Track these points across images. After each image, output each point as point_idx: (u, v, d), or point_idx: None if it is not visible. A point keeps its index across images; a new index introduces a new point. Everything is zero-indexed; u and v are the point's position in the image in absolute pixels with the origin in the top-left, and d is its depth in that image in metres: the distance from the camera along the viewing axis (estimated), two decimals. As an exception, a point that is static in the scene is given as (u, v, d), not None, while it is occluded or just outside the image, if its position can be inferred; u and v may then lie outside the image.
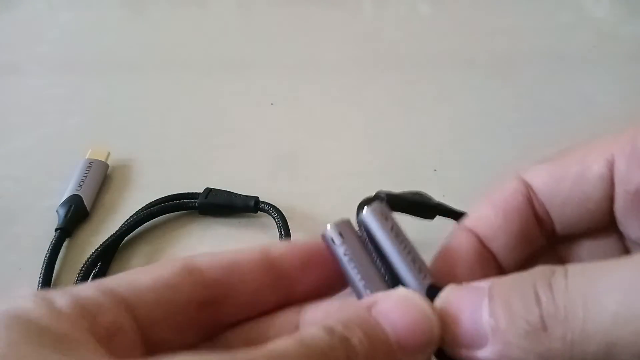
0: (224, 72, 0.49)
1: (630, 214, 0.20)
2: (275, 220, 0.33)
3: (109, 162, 0.38)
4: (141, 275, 0.18)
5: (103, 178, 0.38)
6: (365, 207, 0.21)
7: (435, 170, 0.38)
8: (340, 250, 0.20)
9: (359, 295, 0.20)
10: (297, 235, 0.33)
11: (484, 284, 0.18)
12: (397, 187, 0.38)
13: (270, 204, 0.34)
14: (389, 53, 0.51)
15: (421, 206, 0.27)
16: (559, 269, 0.17)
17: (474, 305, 0.18)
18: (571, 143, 0.22)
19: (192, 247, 0.34)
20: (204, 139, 0.42)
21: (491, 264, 0.21)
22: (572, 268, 0.17)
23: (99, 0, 0.60)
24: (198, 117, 0.44)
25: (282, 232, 0.32)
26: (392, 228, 0.20)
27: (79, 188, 0.36)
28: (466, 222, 0.22)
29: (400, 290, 0.19)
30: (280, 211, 0.33)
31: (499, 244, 0.21)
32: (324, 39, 0.53)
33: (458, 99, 0.45)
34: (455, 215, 0.24)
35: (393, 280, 0.20)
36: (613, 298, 0.15)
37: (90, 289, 0.17)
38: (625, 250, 0.21)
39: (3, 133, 0.43)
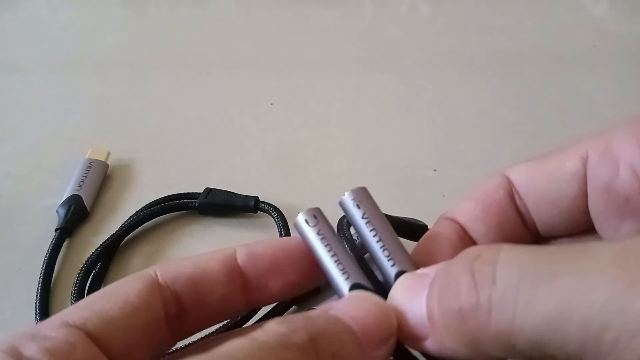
0: (224, 72, 0.49)
1: (601, 212, 0.20)
2: (275, 220, 0.33)
3: (109, 162, 0.38)
4: (107, 302, 0.17)
5: (103, 178, 0.38)
6: (346, 192, 0.21)
7: (435, 170, 0.38)
8: (313, 231, 0.20)
9: (332, 278, 0.19)
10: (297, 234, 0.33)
11: (430, 270, 0.18)
12: (397, 187, 0.38)
13: (270, 204, 0.34)
14: (388, 52, 0.51)
15: (409, 228, 0.27)
16: (486, 253, 0.16)
17: (417, 294, 0.17)
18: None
19: (192, 247, 0.34)
20: (203, 139, 0.42)
21: None
22: (505, 254, 0.16)
23: (99, 0, 0.60)
24: (198, 117, 0.44)
25: (282, 232, 0.32)
26: (364, 214, 0.20)
27: (79, 188, 0.36)
28: (447, 212, 0.22)
29: (352, 292, 0.19)
30: (280, 211, 0.33)
31: (479, 233, 0.21)
32: (324, 38, 0.53)
33: (458, 99, 0.45)
34: None
35: (365, 267, 0.20)
36: (549, 298, 0.14)
37: (58, 329, 0.16)
38: None
39: (3, 132, 0.43)
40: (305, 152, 0.40)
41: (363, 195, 0.21)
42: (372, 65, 0.50)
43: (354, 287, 0.19)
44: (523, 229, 0.21)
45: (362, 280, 0.19)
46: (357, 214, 0.20)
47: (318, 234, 0.20)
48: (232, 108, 0.45)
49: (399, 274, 0.19)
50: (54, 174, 0.38)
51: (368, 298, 0.18)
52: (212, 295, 0.19)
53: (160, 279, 0.18)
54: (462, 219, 0.21)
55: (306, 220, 0.20)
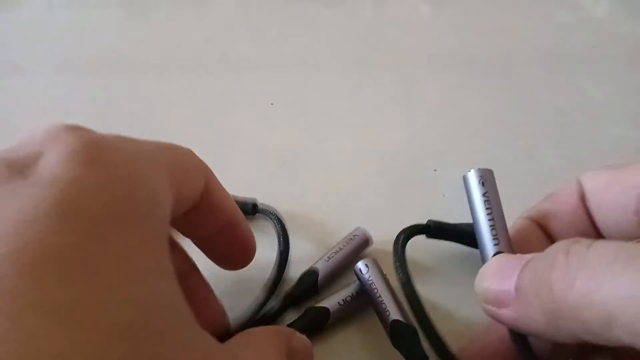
0: (224, 72, 0.49)
1: None
2: (274, 224, 0.33)
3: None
4: None
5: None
6: (472, 169, 0.24)
7: (435, 170, 0.38)
8: (480, 190, 0.23)
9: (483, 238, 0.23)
10: (296, 237, 0.33)
11: (529, 256, 0.20)
12: (397, 187, 0.38)
13: (269, 207, 0.34)
14: (389, 53, 0.51)
15: (470, 236, 0.29)
16: (583, 240, 0.18)
17: (510, 269, 0.19)
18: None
19: (189, 249, 0.34)
20: (203, 139, 0.42)
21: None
22: (600, 241, 0.17)
23: (99, 0, 0.60)
24: (198, 117, 0.44)
25: (281, 236, 0.32)
26: (486, 193, 0.23)
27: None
28: (525, 214, 0.24)
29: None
30: (278, 215, 0.33)
31: (555, 232, 0.23)
32: (324, 38, 0.53)
33: (458, 99, 0.45)
34: None
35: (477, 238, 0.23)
36: (627, 280, 0.15)
37: None
38: None
39: (3, 133, 0.43)
40: (306, 152, 0.40)
41: (489, 176, 0.23)
42: (372, 65, 0.50)
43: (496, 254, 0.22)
44: (593, 232, 0.23)
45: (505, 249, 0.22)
46: (479, 191, 0.23)
47: (484, 195, 0.23)
48: (232, 108, 0.45)
49: (496, 254, 0.22)
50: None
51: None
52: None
53: None
54: (539, 219, 0.23)
55: (480, 178, 0.23)
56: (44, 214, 0.15)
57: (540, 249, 0.19)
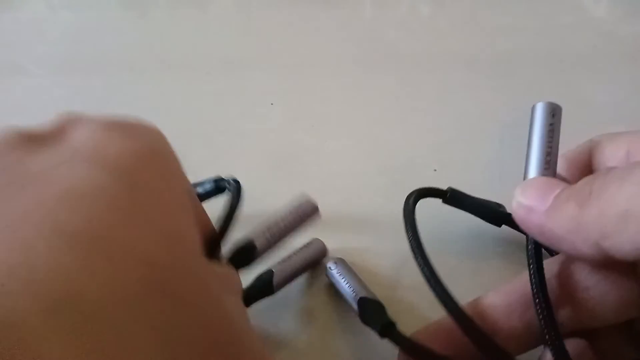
0: (224, 72, 0.49)
1: None
2: (232, 195, 0.29)
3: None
4: None
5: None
6: (541, 102, 0.26)
7: (435, 170, 0.38)
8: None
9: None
10: (296, 236, 0.33)
11: (564, 182, 0.22)
12: (397, 187, 0.38)
13: (234, 180, 0.30)
14: (389, 53, 0.51)
15: (488, 210, 0.30)
16: (619, 167, 0.20)
17: (550, 187, 0.22)
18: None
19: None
20: (203, 139, 0.42)
21: None
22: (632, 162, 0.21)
23: (99, 0, 0.60)
24: (197, 117, 0.44)
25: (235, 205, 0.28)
26: (550, 124, 0.25)
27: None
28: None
29: None
30: (239, 187, 0.29)
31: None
32: (324, 38, 0.53)
33: (458, 99, 0.45)
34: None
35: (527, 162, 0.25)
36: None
37: None
38: None
39: (3, 133, 0.43)
40: (306, 152, 0.40)
41: (558, 112, 0.26)
42: (372, 65, 0.50)
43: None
44: None
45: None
46: (547, 120, 0.25)
47: (550, 124, 0.26)
48: (232, 108, 0.45)
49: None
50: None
51: None
52: None
53: None
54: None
55: (552, 111, 0.26)
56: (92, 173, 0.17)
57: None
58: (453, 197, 0.30)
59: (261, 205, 0.36)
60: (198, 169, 0.39)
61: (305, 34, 0.54)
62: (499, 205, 0.31)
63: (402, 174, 0.38)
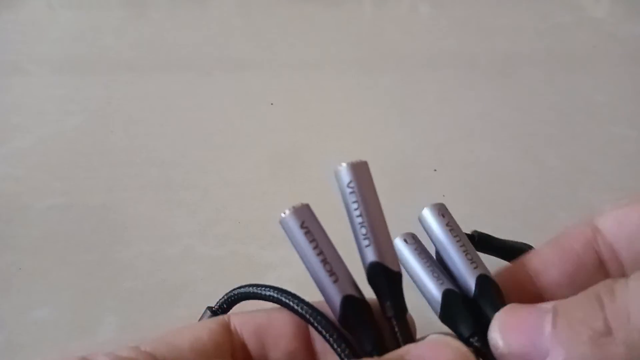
0: (224, 72, 0.49)
1: None
2: None
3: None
4: (179, 336, 0.18)
5: (103, 178, 0.38)
6: (426, 207, 0.23)
7: (435, 170, 0.38)
8: (411, 252, 0.23)
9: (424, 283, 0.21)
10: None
11: (547, 305, 0.18)
12: (397, 187, 0.38)
13: None
14: (388, 53, 0.51)
15: (517, 252, 0.28)
16: (621, 278, 0.17)
17: (536, 319, 0.18)
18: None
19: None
20: (203, 139, 0.42)
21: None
22: (636, 273, 0.17)
23: (99, 0, 0.60)
24: (198, 117, 0.44)
25: None
26: (447, 224, 0.22)
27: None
28: (525, 256, 0.22)
29: (431, 336, 0.19)
30: None
31: (549, 280, 0.21)
32: (324, 39, 0.53)
33: (458, 99, 0.45)
34: None
35: (448, 274, 0.22)
36: None
37: (130, 350, 0.17)
38: None
39: (3, 133, 0.43)
40: (305, 152, 0.40)
41: (445, 208, 0.23)
42: (372, 65, 0.50)
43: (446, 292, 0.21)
44: (599, 275, 0.21)
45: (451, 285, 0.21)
46: (441, 223, 0.23)
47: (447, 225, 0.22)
48: (232, 108, 0.45)
49: (480, 277, 0.21)
50: (54, 175, 0.38)
51: (449, 343, 0.18)
52: (276, 348, 0.20)
53: (232, 324, 0.19)
54: (538, 263, 0.21)
55: (439, 213, 0.22)
56: None
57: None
58: (480, 241, 0.28)
59: (261, 205, 0.36)
60: (198, 169, 0.39)
61: (305, 34, 0.54)
62: (528, 246, 0.30)
63: (402, 174, 0.38)
